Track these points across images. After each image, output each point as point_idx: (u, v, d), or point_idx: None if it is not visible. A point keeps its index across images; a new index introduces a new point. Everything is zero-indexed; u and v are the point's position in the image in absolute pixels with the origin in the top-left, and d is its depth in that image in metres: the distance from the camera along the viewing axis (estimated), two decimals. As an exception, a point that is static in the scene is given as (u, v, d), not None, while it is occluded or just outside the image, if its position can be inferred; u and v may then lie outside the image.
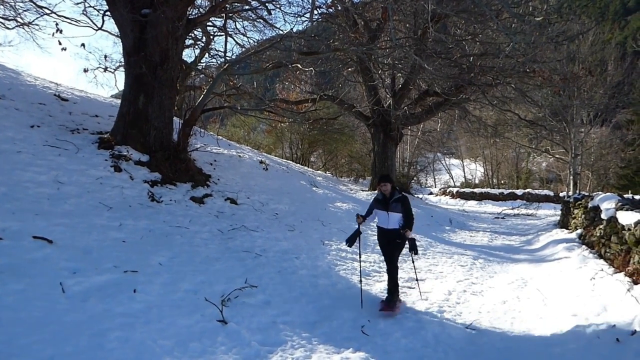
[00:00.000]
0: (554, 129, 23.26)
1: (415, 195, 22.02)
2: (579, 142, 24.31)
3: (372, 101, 14.89)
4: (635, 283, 5.54)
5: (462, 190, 32.08)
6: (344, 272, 7.09)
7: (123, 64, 9.55)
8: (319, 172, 19.89)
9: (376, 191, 15.76)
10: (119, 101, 9.90)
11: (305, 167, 18.78)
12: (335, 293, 6.12)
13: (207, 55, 12.87)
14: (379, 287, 6.76)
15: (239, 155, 12.88)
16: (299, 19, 9.85)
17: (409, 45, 10.47)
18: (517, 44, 10.73)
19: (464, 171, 50.11)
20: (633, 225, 6.36)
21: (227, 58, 10.24)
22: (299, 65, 9.13)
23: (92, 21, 10.10)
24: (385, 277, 7.51)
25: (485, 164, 46.92)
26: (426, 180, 41.77)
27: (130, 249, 5.39)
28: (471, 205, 26.55)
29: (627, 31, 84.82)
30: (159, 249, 5.67)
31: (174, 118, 9.18)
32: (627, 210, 7.42)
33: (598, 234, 8.75)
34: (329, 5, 13.62)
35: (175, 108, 10.24)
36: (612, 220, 7.80)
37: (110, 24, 16.44)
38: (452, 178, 48.65)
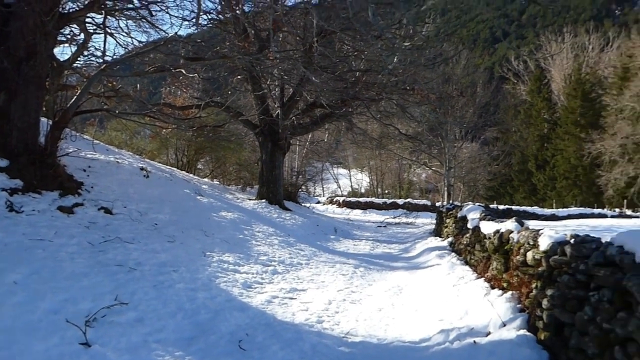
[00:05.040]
0: (431, 143, 25.13)
1: (303, 204, 22.34)
2: (452, 156, 26.51)
3: (259, 110, 14.88)
4: (493, 288, 6.09)
5: (349, 199, 33.17)
6: (225, 285, 6.93)
7: (-19, 56, 8.56)
8: (205, 179, 19.41)
9: (263, 200, 15.82)
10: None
11: (191, 175, 18.20)
12: (214, 306, 5.94)
13: (85, 53, 11.99)
14: (259, 299, 6.69)
15: (117, 161, 12.13)
16: (185, 22, 9.57)
17: (297, 58, 10.63)
18: (395, 64, 11.38)
19: (350, 181, 51.93)
20: (492, 234, 6.97)
21: (106, 58, 9.61)
22: (182, 71, 8.84)
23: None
24: (268, 288, 7.50)
25: (370, 174, 49.06)
26: (314, 189, 42.61)
27: (-22, 266, 4.81)
28: (356, 214, 27.50)
29: (495, 57, 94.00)
30: (15, 265, 5.11)
31: (43, 119, 8.41)
32: (488, 220, 8.15)
33: (465, 242, 9.50)
34: (219, 12, 13.44)
35: (45, 109, 9.40)
36: (477, 229, 8.50)
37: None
38: (340, 187, 50.21)
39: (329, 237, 14.37)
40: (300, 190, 24.43)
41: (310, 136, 26.87)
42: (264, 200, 15.72)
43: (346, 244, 13.95)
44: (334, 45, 13.52)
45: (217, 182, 20.69)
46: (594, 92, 40.56)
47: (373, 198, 36.19)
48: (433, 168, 31.45)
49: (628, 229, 5.10)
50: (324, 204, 32.65)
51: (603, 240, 3.73)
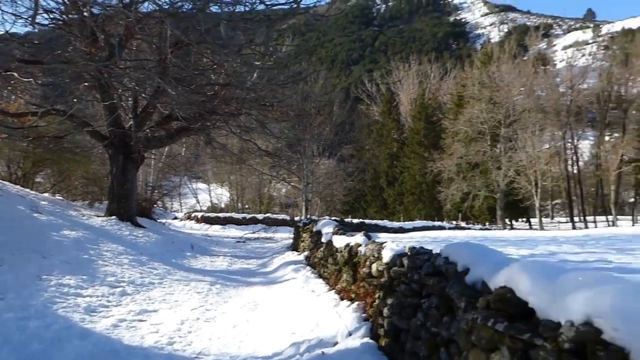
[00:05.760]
0: (290, 159, 25.74)
1: (158, 221, 21.31)
2: (310, 171, 27.44)
3: (109, 121, 13.90)
4: (342, 299, 6.38)
5: (207, 214, 32.47)
6: (64, 310, 6.31)
7: None
8: (45, 194, 17.52)
9: (113, 217, 14.74)
10: None
11: (28, 190, 16.31)
12: (50, 335, 5.37)
13: None
14: (104, 323, 6.20)
15: None
16: (20, 20, 8.52)
17: (150, 68, 10.19)
18: (254, 80, 11.49)
19: (210, 195, 50.90)
20: (343, 248, 7.33)
21: None
22: (15, 74, 7.89)
23: None
24: (115, 311, 6.97)
25: (231, 189, 48.62)
26: (172, 204, 40.96)
27: None
28: (215, 230, 27.00)
29: (351, 79, 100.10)
30: None
31: None
32: (340, 234, 8.56)
33: (319, 256, 9.84)
34: (62, 12, 12.34)
35: None
36: (330, 243, 8.87)
37: None
38: (199, 202, 48.91)
39: (185, 254, 13.87)
40: (155, 205, 23.29)
41: (167, 149, 25.82)
42: (114, 217, 14.66)
43: (203, 260, 13.59)
44: (191, 57, 13.19)
45: (60, 198, 18.78)
46: (435, 116, 45.26)
47: (233, 213, 35.87)
48: (292, 184, 32.19)
49: (460, 240, 5.75)
50: (181, 220, 31.53)
51: (434, 252, 4.13)
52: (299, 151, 25.88)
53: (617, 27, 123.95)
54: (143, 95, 13.87)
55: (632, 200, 50.60)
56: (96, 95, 14.84)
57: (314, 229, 11.66)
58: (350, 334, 4.89)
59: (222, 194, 51.67)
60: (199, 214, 32.35)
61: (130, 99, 15.49)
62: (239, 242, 20.57)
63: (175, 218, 32.25)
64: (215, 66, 13.81)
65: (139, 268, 10.03)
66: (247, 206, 48.18)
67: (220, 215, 32.23)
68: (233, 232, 26.05)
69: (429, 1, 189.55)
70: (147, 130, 15.39)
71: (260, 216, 31.24)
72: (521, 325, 2.28)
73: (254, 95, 14.34)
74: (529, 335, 2.17)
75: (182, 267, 11.56)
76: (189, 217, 32.45)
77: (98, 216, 15.11)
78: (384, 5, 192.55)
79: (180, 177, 35.46)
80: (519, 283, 2.40)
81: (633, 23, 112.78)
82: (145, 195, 22.46)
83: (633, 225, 37.86)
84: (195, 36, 10.01)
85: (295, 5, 9.37)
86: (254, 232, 24.08)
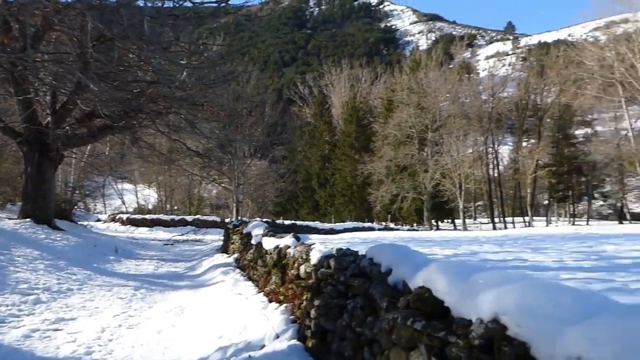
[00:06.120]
0: (221, 160, 25.36)
1: (80, 223, 20.23)
2: (241, 173, 27.19)
3: (24, 117, 13.01)
4: (271, 301, 6.35)
5: (133, 216, 31.28)
6: (-31, 322, 5.83)
7: None
8: (-51, 195, 16.18)
9: (27, 219, 13.81)
10: None
11: None
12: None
13: None
14: (14, 334, 5.79)
15: None
16: None
17: (71, 62, 9.65)
18: (184, 78, 11.20)
19: (137, 196, 49.03)
20: (273, 250, 7.30)
21: None
22: None
23: None
24: (27, 320, 6.52)
25: (159, 190, 47.09)
26: (95, 206, 39.01)
27: None
28: (142, 232, 26.05)
29: (283, 80, 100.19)
30: None
31: None
32: (270, 236, 8.52)
33: (249, 258, 9.75)
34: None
35: None
36: (260, 245, 8.81)
37: None
38: (125, 204, 46.96)
39: (108, 258, 13.27)
40: (76, 207, 22.07)
41: (89, 148, 24.57)
42: (28, 220, 13.73)
43: (128, 264, 13.07)
44: (115, 53, 12.62)
45: (-33, 199, 17.41)
46: (366, 119, 46.20)
47: (161, 215, 34.76)
48: (223, 185, 31.71)
49: (389, 241, 5.90)
50: (105, 222, 30.09)
51: (360, 254, 4.20)
52: (230, 152, 25.54)
53: (534, 40, 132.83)
54: (62, 90, 13.10)
55: (546, 202, 54.08)
56: (9, 89, 13.84)
57: (244, 231, 11.54)
58: (277, 336, 4.87)
59: (149, 195, 49.94)
60: (125, 216, 31.06)
61: (48, 94, 14.58)
62: (167, 244, 19.97)
63: (99, 220, 30.74)
64: (141, 63, 13.30)
65: (56, 274, 9.48)
66: (176, 207, 46.88)
67: (148, 217, 31.12)
68: (161, 234, 25.26)
69: (360, 7, 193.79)
70: (67, 127, 14.55)
71: (189, 218, 30.46)
72: (437, 323, 2.37)
73: (183, 94, 13.94)
74: (444, 333, 2.25)
75: (104, 272, 11.05)
76: (113, 219, 31.04)
77: (10, 219, 14.13)
78: (317, 9, 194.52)
79: (104, 177, 33.87)
80: (436, 283, 2.49)
81: (548, 37, 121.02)
82: (65, 196, 21.24)
83: (547, 226, 40.51)
84: (119, 31, 9.59)
85: (223, 4, 9.21)
86: (183, 235, 23.47)
